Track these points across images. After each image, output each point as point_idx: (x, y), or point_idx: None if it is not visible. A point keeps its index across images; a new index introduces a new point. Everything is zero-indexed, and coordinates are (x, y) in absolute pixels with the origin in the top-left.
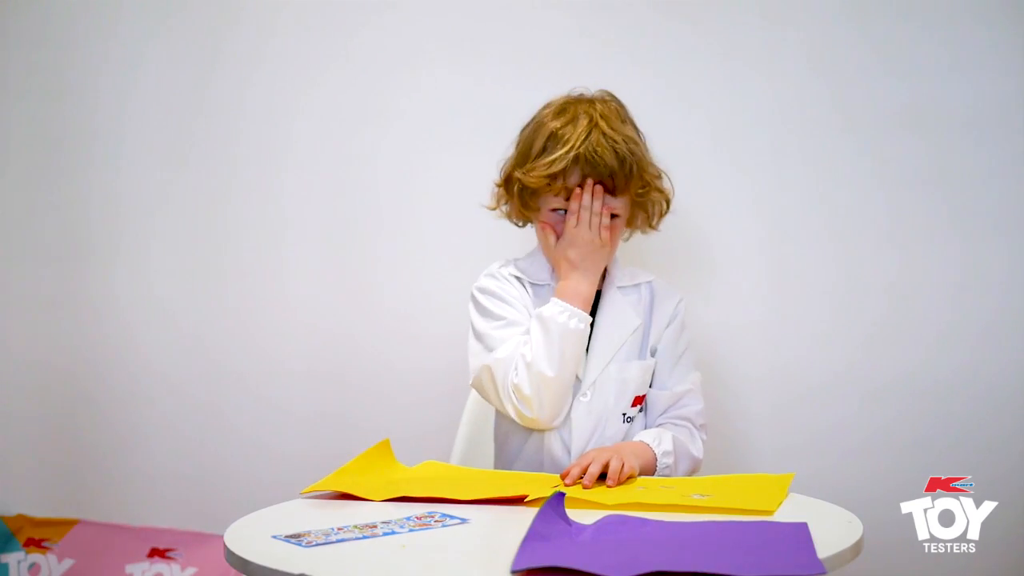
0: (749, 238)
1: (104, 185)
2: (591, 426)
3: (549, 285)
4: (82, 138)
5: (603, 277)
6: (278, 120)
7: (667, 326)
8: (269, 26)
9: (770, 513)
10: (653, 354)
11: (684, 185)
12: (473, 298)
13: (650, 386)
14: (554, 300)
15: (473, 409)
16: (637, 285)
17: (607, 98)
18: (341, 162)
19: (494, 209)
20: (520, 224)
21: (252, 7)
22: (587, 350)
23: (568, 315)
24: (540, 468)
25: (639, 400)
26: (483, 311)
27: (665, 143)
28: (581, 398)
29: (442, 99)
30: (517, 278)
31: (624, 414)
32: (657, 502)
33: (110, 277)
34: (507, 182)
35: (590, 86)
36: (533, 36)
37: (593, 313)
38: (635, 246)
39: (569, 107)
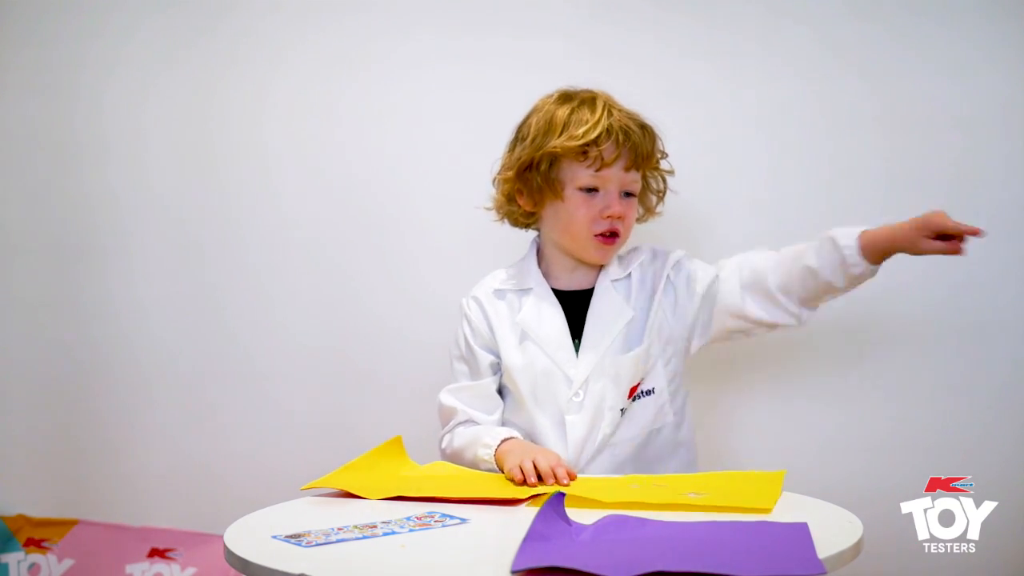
0: (749, 238)
1: (107, 183)
2: (587, 424)
3: (533, 290)
4: (81, 138)
5: (597, 272)
6: (276, 121)
7: (677, 299)
8: (266, 27)
9: (768, 511)
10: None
11: (683, 185)
12: (460, 308)
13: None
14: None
15: None
16: (629, 275)
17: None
18: (340, 162)
19: (503, 202)
20: (525, 224)
21: (254, 7)
22: (577, 348)
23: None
24: None
25: (634, 389)
26: (458, 332)
27: (664, 142)
28: (574, 398)
29: (440, 99)
30: (499, 292)
31: (621, 409)
32: (652, 501)
33: (110, 277)
34: (524, 168)
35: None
36: (530, 37)
37: (584, 309)
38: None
39: (572, 96)
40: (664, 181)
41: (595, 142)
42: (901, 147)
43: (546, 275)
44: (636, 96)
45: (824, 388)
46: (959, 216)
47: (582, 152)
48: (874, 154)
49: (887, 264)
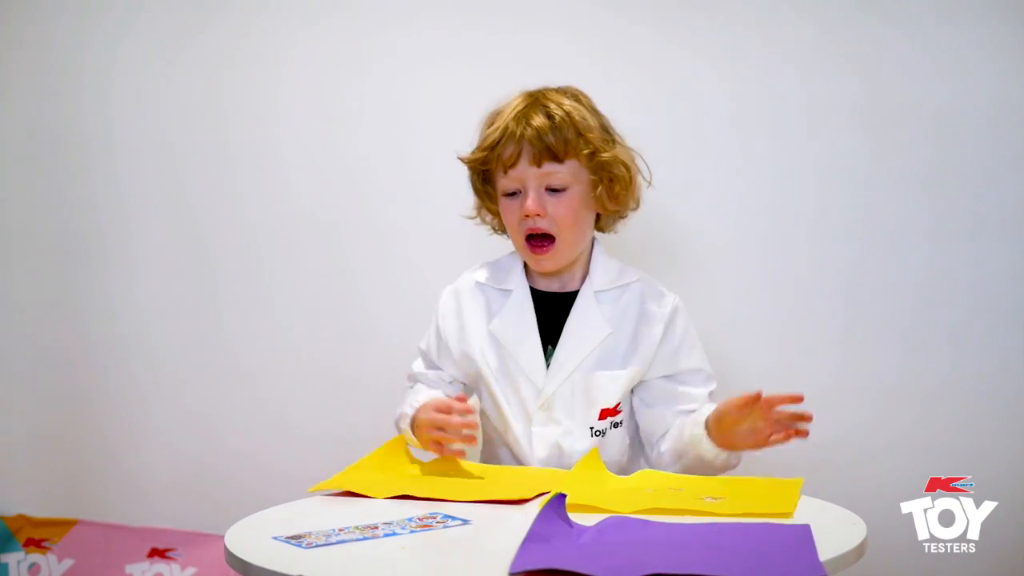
0: (750, 239)
1: (104, 186)
2: (552, 439)
3: (513, 292)
4: (82, 139)
5: (583, 276)
6: (277, 121)
7: (659, 344)
8: (268, 27)
9: (789, 515)
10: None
11: (684, 186)
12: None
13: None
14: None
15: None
16: (621, 287)
17: (567, 88)
18: (340, 163)
19: (473, 218)
20: (498, 230)
21: (254, 8)
22: (549, 359)
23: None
24: None
25: (608, 412)
26: (432, 324)
27: (664, 143)
28: (540, 410)
29: (439, 100)
30: (481, 286)
31: (592, 428)
32: (669, 506)
33: (110, 277)
34: (471, 185)
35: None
36: (531, 35)
37: (564, 317)
38: (637, 245)
39: (510, 101)
40: (627, 168)
41: (494, 146)
42: (900, 147)
43: (529, 274)
44: (636, 95)
45: (824, 388)
46: (961, 216)
47: (488, 158)
48: (873, 154)
49: (886, 265)
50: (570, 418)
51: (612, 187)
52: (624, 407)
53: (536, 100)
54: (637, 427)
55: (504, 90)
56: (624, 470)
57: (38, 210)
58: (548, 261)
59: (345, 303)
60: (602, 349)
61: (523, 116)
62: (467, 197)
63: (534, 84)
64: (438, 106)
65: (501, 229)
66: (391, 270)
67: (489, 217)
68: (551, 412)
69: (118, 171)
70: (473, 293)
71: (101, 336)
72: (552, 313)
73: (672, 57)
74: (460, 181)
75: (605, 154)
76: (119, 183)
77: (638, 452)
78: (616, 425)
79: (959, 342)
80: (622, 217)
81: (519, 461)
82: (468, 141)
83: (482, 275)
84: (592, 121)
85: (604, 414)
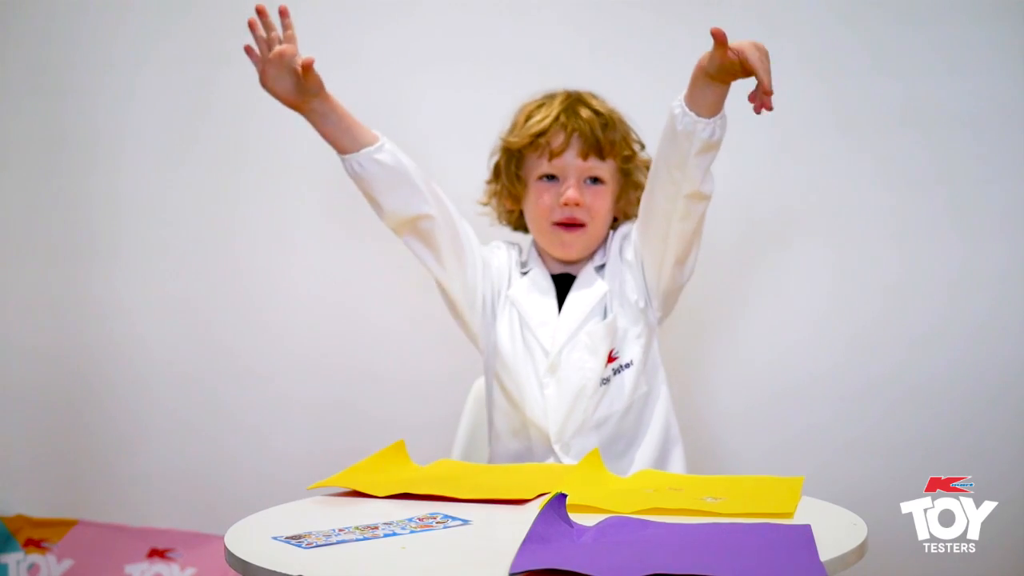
0: (746, 237)
1: (106, 184)
2: (566, 395)
3: (531, 271)
4: (84, 137)
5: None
6: (280, 118)
7: (631, 266)
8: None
9: (790, 515)
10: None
11: None
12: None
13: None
14: None
15: (473, 407)
16: (614, 253)
17: (586, 90)
18: (337, 164)
19: (486, 204)
20: (518, 225)
21: (251, 9)
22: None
23: None
24: (528, 446)
25: (612, 358)
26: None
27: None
28: (549, 370)
29: (445, 101)
30: (517, 251)
31: (601, 378)
32: (669, 506)
33: (111, 276)
34: (496, 168)
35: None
36: (527, 40)
37: (566, 291)
38: None
39: (548, 95)
40: (648, 170)
41: (543, 133)
42: (900, 147)
43: (544, 261)
44: (633, 99)
45: (824, 388)
46: (958, 214)
47: (533, 144)
48: (872, 155)
49: (884, 264)
50: (579, 373)
51: (637, 192)
52: (632, 343)
53: (579, 97)
54: (651, 359)
55: (506, 90)
56: (639, 416)
57: (38, 211)
58: (575, 243)
59: (345, 303)
60: (602, 306)
61: (572, 109)
62: (467, 196)
63: (537, 84)
64: (437, 108)
65: (509, 219)
66: (388, 270)
67: (505, 206)
68: (559, 371)
69: (119, 170)
70: (508, 257)
71: (101, 336)
72: (563, 292)
73: (673, 59)
74: (458, 181)
75: (637, 159)
76: (120, 182)
77: (652, 384)
78: (618, 370)
79: (959, 341)
80: (630, 220)
81: (537, 427)
82: (468, 141)
83: (509, 249)
84: (626, 124)
85: (609, 360)
